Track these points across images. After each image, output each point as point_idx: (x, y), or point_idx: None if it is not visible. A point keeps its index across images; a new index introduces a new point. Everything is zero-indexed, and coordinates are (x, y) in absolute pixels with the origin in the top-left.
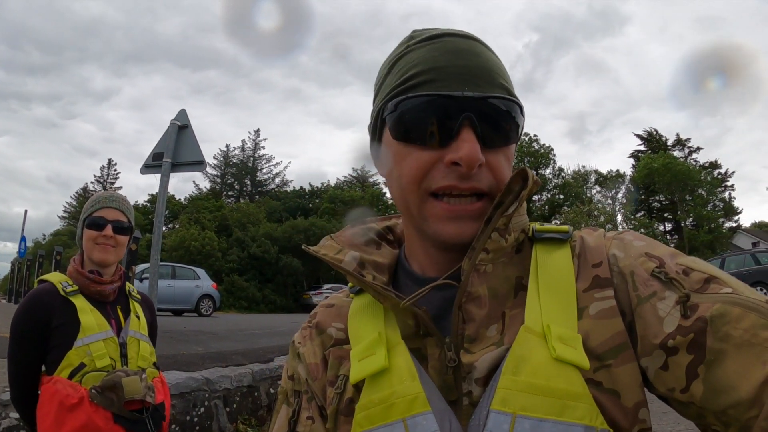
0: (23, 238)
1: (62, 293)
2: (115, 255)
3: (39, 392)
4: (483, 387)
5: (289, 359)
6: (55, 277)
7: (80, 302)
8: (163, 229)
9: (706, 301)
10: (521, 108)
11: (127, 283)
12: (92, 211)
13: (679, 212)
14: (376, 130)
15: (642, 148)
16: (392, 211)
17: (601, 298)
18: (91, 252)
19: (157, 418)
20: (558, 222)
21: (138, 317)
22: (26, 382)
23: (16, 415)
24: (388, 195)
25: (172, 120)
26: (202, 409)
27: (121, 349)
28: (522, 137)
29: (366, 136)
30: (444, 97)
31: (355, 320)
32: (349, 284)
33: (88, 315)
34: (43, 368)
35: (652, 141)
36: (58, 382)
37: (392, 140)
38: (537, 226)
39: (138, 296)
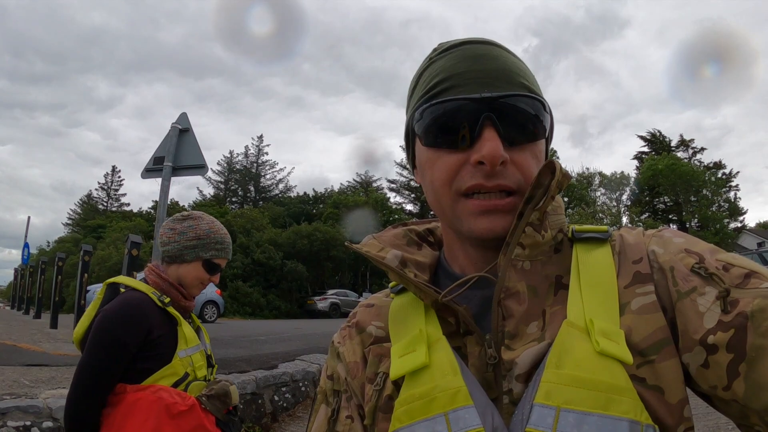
0: (26, 245)
1: (159, 304)
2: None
3: (112, 403)
4: (524, 384)
5: (329, 359)
6: (142, 287)
7: (177, 315)
8: None
9: (747, 296)
10: (544, 104)
11: None
12: (212, 256)
13: (684, 213)
14: (409, 141)
15: (645, 149)
16: (396, 217)
17: (642, 294)
18: (191, 285)
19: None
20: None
21: (205, 332)
22: (100, 394)
23: (14, 424)
24: (393, 200)
25: (173, 123)
26: None
27: (207, 360)
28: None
29: (364, 143)
30: (464, 100)
31: (395, 318)
32: (390, 284)
33: (187, 327)
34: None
35: (656, 142)
36: (162, 390)
37: (422, 147)
38: (576, 226)
39: (198, 323)
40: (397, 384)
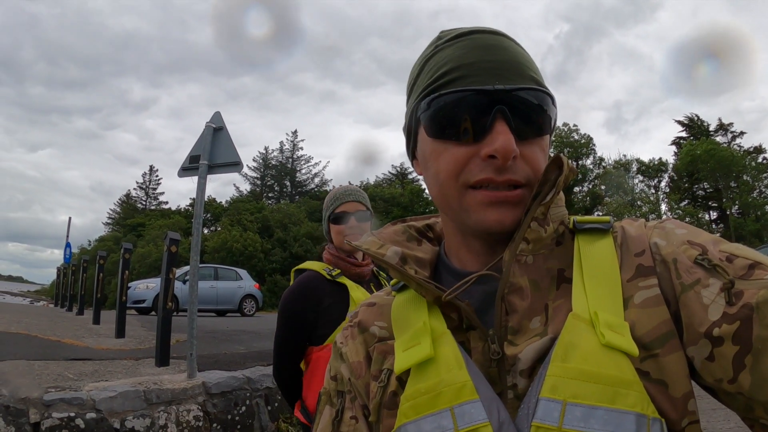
0: (68, 245)
1: (328, 277)
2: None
3: (304, 365)
4: (528, 379)
5: (332, 360)
6: (315, 265)
7: (348, 282)
8: (206, 231)
9: (752, 288)
10: (552, 99)
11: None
12: (334, 208)
13: (724, 200)
14: (411, 130)
15: (683, 134)
16: (432, 208)
17: (645, 287)
18: (340, 243)
19: None
20: (600, 213)
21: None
22: (291, 359)
23: (59, 415)
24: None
25: (207, 122)
26: (244, 408)
27: None
28: (561, 127)
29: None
30: (476, 92)
31: (398, 315)
32: (392, 282)
33: (357, 291)
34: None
35: (694, 127)
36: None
37: (427, 138)
38: (578, 218)
39: (385, 276)
40: (402, 380)
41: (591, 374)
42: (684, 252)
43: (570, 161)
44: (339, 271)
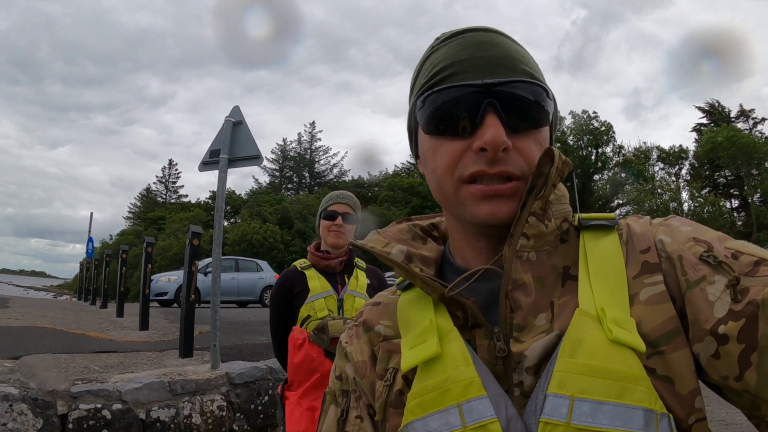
0: (90, 239)
1: (299, 269)
2: (344, 239)
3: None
4: (534, 376)
5: (337, 360)
6: (298, 262)
7: (310, 273)
8: (225, 224)
9: (757, 284)
10: (547, 91)
11: (356, 258)
12: (327, 206)
13: (745, 188)
14: (411, 129)
15: (704, 121)
16: None
17: (651, 284)
18: (326, 237)
19: None
20: (620, 201)
21: (357, 279)
22: (280, 337)
23: (86, 406)
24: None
25: (226, 117)
26: (266, 398)
27: (338, 303)
28: (580, 115)
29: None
30: (466, 87)
31: (403, 314)
32: (397, 281)
33: (314, 281)
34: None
35: (714, 113)
36: (294, 329)
37: (424, 136)
38: (583, 215)
39: (363, 266)
40: (408, 379)
41: (598, 369)
42: (689, 249)
43: (561, 154)
44: (309, 263)
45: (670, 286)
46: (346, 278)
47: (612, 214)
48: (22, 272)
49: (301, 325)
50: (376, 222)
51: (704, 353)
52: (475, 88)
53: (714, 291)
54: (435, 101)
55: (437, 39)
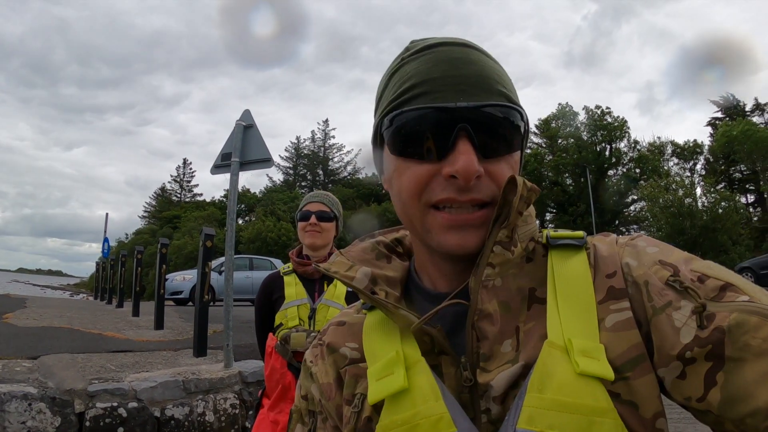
0: (106, 239)
1: (281, 274)
2: (322, 239)
3: None
4: (500, 405)
5: (301, 378)
6: (283, 266)
7: (289, 279)
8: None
9: (723, 311)
10: (522, 114)
11: None
12: (301, 207)
13: (761, 183)
14: (377, 143)
15: (719, 115)
16: None
17: (617, 310)
18: (303, 238)
19: None
20: (634, 198)
21: (336, 287)
22: (262, 338)
23: (102, 405)
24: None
25: (237, 121)
26: None
27: (310, 313)
28: (593, 110)
29: None
30: (438, 110)
31: (370, 338)
32: (361, 300)
33: (291, 288)
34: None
35: (729, 107)
36: (270, 337)
37: (391, 155)
38: (551, 233)
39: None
40: (377, 407)
41: (566, 405)
42: (655, 273)
43: (526, 181)
44: (291, 269)
45: (636, 311)
46: (325, 285)
47: (580, 233)
48: (39, 271)
49: (275, 333)
50: (390, 220)
51: (669, 376)
52: (447, 111)
53: (680, 317)
54: (404, 121)
55: (407, 50)
